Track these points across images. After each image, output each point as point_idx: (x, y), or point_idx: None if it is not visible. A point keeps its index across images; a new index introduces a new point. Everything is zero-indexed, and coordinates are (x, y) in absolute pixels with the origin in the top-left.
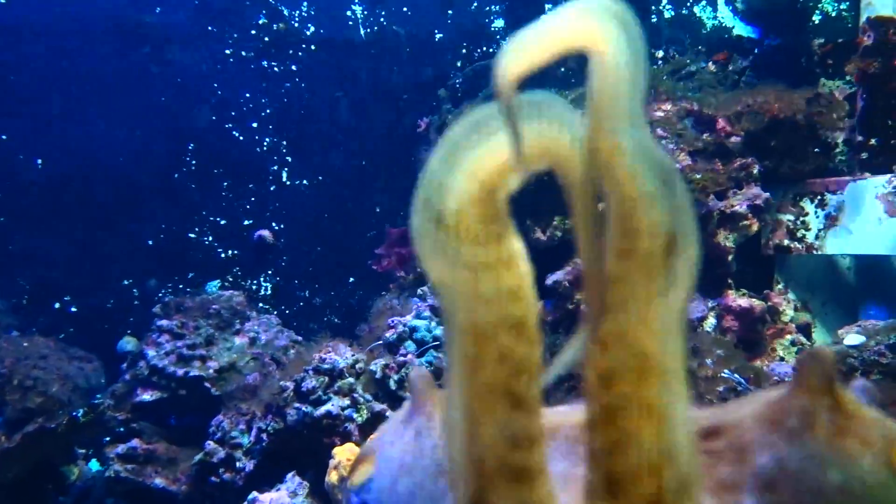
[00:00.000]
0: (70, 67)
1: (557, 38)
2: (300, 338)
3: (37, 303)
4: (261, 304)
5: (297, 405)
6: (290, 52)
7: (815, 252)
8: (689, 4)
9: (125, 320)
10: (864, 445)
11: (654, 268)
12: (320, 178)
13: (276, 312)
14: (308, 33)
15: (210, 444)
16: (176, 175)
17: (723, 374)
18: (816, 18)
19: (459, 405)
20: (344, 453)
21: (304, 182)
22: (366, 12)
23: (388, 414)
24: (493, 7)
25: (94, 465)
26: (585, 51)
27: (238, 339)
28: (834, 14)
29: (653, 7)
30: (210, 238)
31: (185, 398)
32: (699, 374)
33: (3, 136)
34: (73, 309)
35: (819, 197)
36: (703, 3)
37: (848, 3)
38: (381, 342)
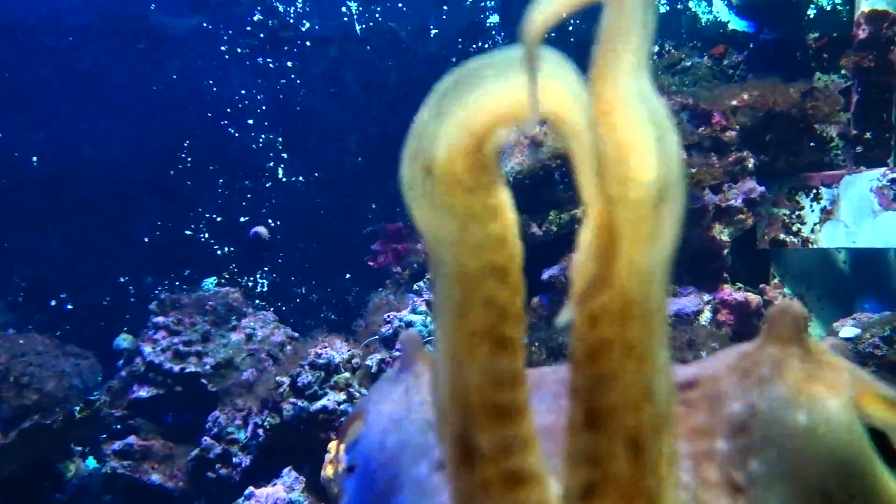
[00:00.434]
0: (65, 64)
1: None
2: (297, 334)
3: (33, 300)
4: (257, 301)
5: (292, 400)
6: (286, 48)
7: (810, 246)
8: None
9: (121, 317)
10: (831, 390)
11: (643, 215)
12: (316, 174)
13: (272, 309)
14: (303, 29)
15: (206, 440)
16: (172, 172)
17: None
18: (811, 12)
19: (446, 349)
20: (341, 448)
21: (300, 178)
22: (361, 8)
23: None
24: (487, 3)
25: (91, 462)
26: None
27: (234, 336)
28: (829, 8)
29: None
30: (206, 235)
31: (181, 394)
32: None
33: None
34: (70, 306)
35: (814, 191)
36: None
37: None
38: (376, 337)
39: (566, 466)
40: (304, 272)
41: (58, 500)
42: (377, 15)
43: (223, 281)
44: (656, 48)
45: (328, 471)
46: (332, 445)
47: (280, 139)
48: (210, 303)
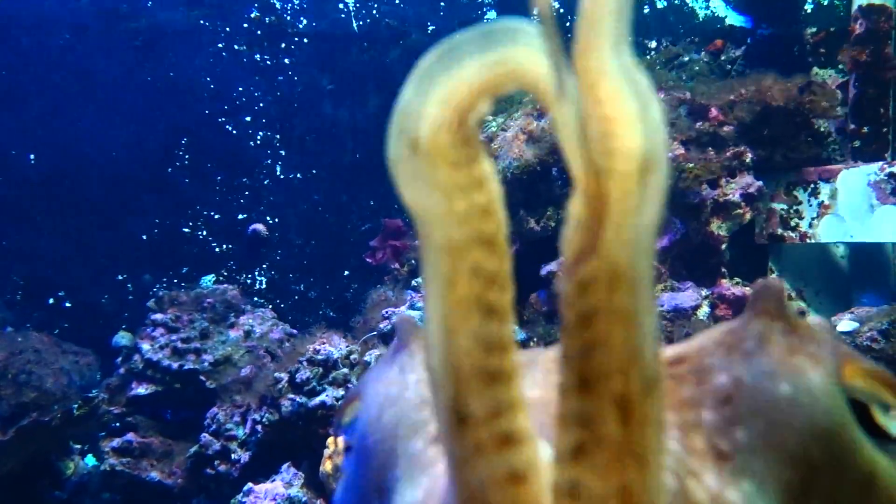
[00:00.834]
0: (62, 62)
1: None
2: (295, 331)
3: (31, 298)
4: (255, 298)
5: (291, 396)
6: (283, 45)
7: (808, 240)
8: None
9: (119, 315)
10: (814, 362)
11: (629, 186)
12: (314, 171)
13: (270, 306)
14: (300, 26)
15: (205, 437)
16: (169, 169)
17: None
18: (809, 7)
19: (436, 320)
20: (339, 443)
21: (298, 175)
22: (357, 4)
23: None
24: None
25: (91, 460)
26: None
27: (233, 333)
28: (826, 3)
29: None
30: (204, 232)
31: (179, 391)
32: None
33: None
34: (68, 304)
35: (812, 185)
36: None
37: None
38: (375, 333)
39: (557, 428)
40: (303, 269)
41: (57, 498)
42: (374, 11)
43: (221, 278)
44: (653, 43)
45: (327, 466)
46: (331, 441)
47: (278, 136)
48: (208, 300)
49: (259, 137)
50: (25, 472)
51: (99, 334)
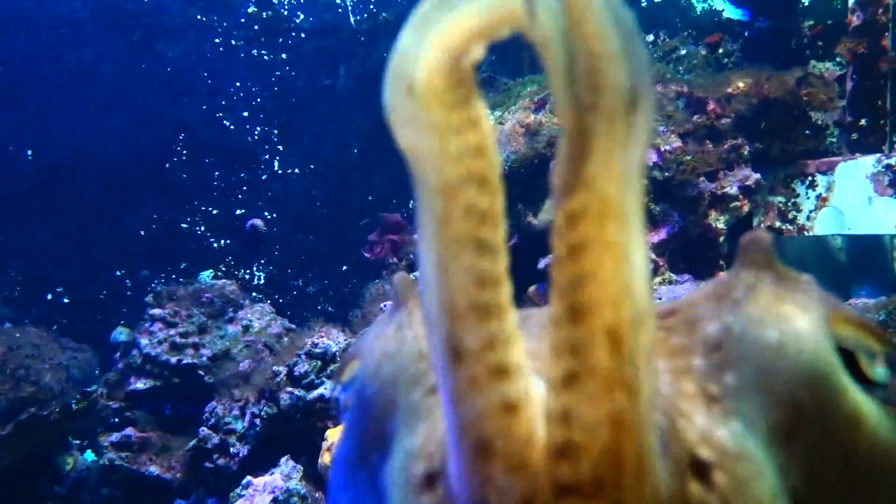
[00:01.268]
0: (59, 57)
1: None
2: (293, 326)
3: (29, 294)
4: (254, 293)
5: (289, 389)
6: (280, 40)
7: (806, 233)
8: None
9: (118, 311)
10: (801, 309)
11: (616, 121)
12: (312, 166)
13: (269, 301)
14: (298, 21)
15: (204, 430)
16: (167, 165)
17: None
18: (806, 0)
19: (431, 259)
20: (337, 435)
21: (296, 171)
22: None
23: None
24: None
25: (90, 455)
26: None
27: (231, 328)
28: None
29: None
30: (202, 228)
31: (178, 386)
32: None
33: None
34: (66, 300)
35: (810, 178)
36: None
37: None
38: None
39: (549, 357)
40: (301, 264)
41: (56, 493)
42: (371, 6)
43: (220, 273)
44: (651, 37)
45: (325, 459)
46: (330, 433)
47: (275, 131)
48: (206, 295)
49: (257, 133)
50: (24, 467)
51: (97, 330)
